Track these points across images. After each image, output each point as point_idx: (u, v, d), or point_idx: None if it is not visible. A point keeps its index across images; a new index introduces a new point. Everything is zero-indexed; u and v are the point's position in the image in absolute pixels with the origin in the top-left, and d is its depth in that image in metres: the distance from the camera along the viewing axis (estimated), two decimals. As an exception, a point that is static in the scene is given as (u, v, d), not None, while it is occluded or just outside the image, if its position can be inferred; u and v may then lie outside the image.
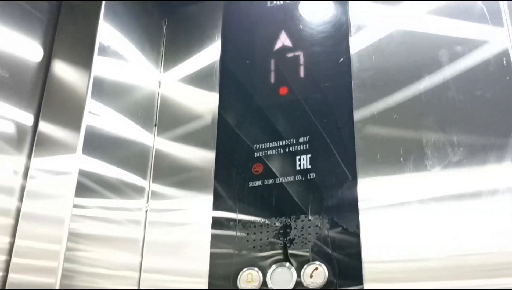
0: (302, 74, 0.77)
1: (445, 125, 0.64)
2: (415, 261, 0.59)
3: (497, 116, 0.63)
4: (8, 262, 0.63)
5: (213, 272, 0.67)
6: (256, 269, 0.64)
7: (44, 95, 0.75)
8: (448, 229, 0.58)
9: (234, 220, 0.70)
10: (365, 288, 0.59)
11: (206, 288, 0.66)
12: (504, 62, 0.64)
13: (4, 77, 0.70)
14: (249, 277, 0.64)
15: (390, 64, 0.72)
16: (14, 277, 0.62)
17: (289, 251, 0.66)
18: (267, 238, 0.67)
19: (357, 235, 0.63)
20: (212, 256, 0.67)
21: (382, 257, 0.61)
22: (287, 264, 0.64)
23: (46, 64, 0.77)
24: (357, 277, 0.60)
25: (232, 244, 0.68)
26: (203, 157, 0.76)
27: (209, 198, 0.72)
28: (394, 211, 0.63)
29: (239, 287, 0.64)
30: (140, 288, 0.71)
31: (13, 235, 0.64)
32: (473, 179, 0.60)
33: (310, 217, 0.66)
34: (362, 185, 0.66)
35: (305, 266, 0.62)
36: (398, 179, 0.64)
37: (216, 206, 0.71)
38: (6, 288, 0.63)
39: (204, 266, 0.67)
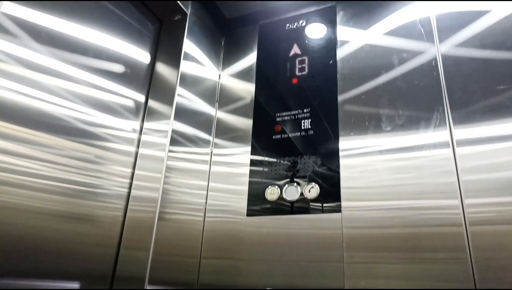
0: (306, 71, 0.83)
1: (394, 102, 0.70)
2: (375, 187, 0.67)
3: (427, 98, 0.68)
4: (130, 184, 0.73)
5: (251, 191, 0.76)
6: (276, 186, 0.74)
7: (151, 84, 0.82)
8: (395, 168, 0.65)
9: (262, 161, 0.77)
10: (341, 204, 0.67)
11: (246, 202, 0.74)
12: (433, 63, 0.70)
13: (128, 72, 0.77)
14: (271, 191, 0.73)
15: (361, 65, 0.77)
16: (135, 193, 0.72)
17: (296, 177, 0.74)
18: (283, 169, 0.75)
19: (337, 171, 0.70)
20: (250, 182, 0.76)
21: (354, 185, 0.68)
22: (295, 184, 0.73)
23: (152, 65, 0.84)
24: (337, 197, 0.68)
25: (261, 175, 0.76)
26: (245, 122, 0.84)
27: (248, 148, 0.80)
28: (361, 157, 0.69)
29: (267, 199, 0.73)
30: (207, 201, 0.78)
31: (133, 167, 0.74)
32: (410, 137, 0.67)
33: (309, 158, 0.74)
34: (342, 140, 0.72)
35: (305, 185, 0.71)
36: (364, 136, 0.70)
37: (252, 152, 0.79)
38: (130, 195, 0.71)
39: (245, 188, 0.76)
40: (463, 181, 0.60)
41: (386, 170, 0.66)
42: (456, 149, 0.63)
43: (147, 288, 0.63)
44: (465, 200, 0.59)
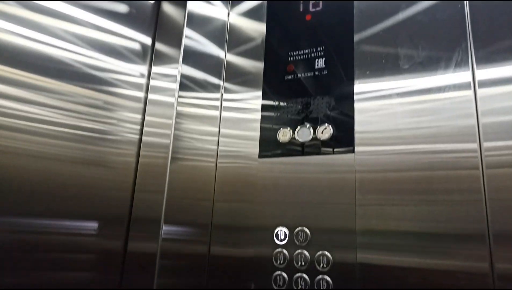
0: (321, 6, 0.78)
1: (414, 39, 0.67)
2: (390, 131, 0.64)
3: (449, 34, 0.64)
4: (141, 130, 0.73)
5: (262, 135, 0.75)
6: (288, 128, 0.73)
7: (157, 25, 0.80)
8: (412, 111, 0.63)
9: (274, 105, 0.76)
10: (355, 147, 0.67)
11: (258, 149, 0.74)
12: (459, 5, 0.66)
13: (133, 12, 0.75)
14: (283, 133, 0.73)
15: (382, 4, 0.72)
16: (146, 139, 0.72)
17: (308, 118, 0.72)
18: (295, 111, 0.74)
19: (351, 113, 0.68)
20: (262, 127, 0.76)
21: (368, 129, 0.67)
22: (307, 125, 0.71)
23: (158, 4, 0.81)
24: (350, 140, 0.67)
25: (273, 118, 0.75)
26: (256, 65, 0.81)
27: (259, 93, 0.78)
28: (377, 100, 0.67)
29: (279, 140, 0.72)
30: (219, 148, 0.78)
31: (143, 114, 0.74)
32: (429, 78, 0.64)
33: (322, 98, 0.73)
34: (357, 80, 0.70)
35: (318, 126, 0.70)
36: (381, 77, 0.68)
37: (264, 97, 0.77)
38: (142, 141, 0.72)
39: (256, 134, 0.76)
40: (482, 124, 0.58)
41: (402, 113, 0.64)
42: (478, 90, 0.60)
43: (163, 228, 0.65)
44: (484, 143, 0.57)
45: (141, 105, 0.74)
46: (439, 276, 0.56)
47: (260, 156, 0.74)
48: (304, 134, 0.72)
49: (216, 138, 0.79)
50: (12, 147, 0.55)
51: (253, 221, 0.71)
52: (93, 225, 0.65)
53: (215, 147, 0.78)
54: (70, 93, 0.63)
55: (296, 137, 0.72)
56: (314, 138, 0.71)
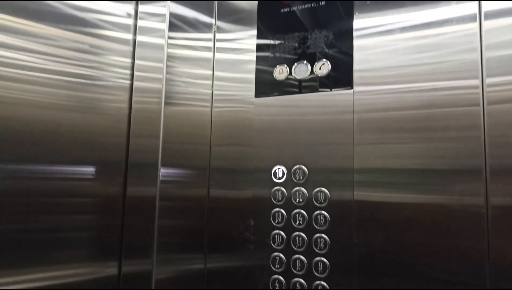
0: None
1: None
2: (392, 68, 0.62)
3: None
4: (132, 75, 0.70)
5: (258, 76, 0.73)
6: (285, 65, 0.71)
7: None
8: (413, 47, 0.61)
9: (269, 43, 0.73)
10: (353, 83, 0.65)
11: (254, 92, 0.72)
12: None
13: None
14: (280, 71, 0.71)
15: None
16: (137, 84, 0.69)
17: (306, 54, 0.70)
18: (292, 46, 0.71)
19: (351, 50, 0.66)
20: (257, 70, 0.74)
21: (368, 68, 0.65)
22: (304, 61, 0.69)
23: None
24: (349, 80, 0.66)
25: (269, 56, 0.73)
26: (250, 3, 0.76)
27: (254, 31, 0.75)
28: (378, 36, 0.64)
29: (276, 78, 0.71)
30: (213, 92, 0.76)
31: (133, 57, 0.70)
32: (432, 10, 0.61)
33: (320, 32, 0.70)
34: (357, 13, 0.66)
35: (316, 62, 0.68)
36: (383, 10, 0.64)
37: (259, 35, 0.74)
38: (133, 86, 0.69)
39: (252, 76, 0.74)
40: (486, 59, 0.56)
41: (403, 50, 0.62)
42: (484, 22, 0.57)
43: (161, 171, 0.66)
44: (486, 79, 0.56)
45: (130, 48, 0.71)
46: (435, 210, 0.57)
47: (257, 95, 0.73)
48: (301, 70, 0.70)
49: (210, 82, 0.77)
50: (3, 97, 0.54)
51: (251, 162, 0.72)
52: (91, 169, 0.65)
53: (210, 91, 0.76)
54: (53, 37, 0.60)
55: (293, 74, 0.70)
56: (312, 75, 0.69)
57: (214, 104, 0.76)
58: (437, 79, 0.59)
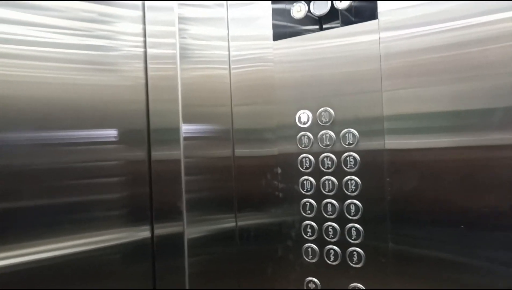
0: None
1: None
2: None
3: None
4: (145, 42, 0.68)
5: (275, 20, 0.70)
6: (303, 2, 0.67)
7: None
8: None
9: None
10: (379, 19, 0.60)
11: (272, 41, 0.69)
12: None
13: None
14: (298, 8, 0.67)
15: None
16: (151, 51, 0.68)
17: None
18: None
19: None
20: (274, 10, 0.70)
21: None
22: None
23: None
24: (373, 12, 0.60)
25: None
26: None
27: None
28: None
29: (293, 17, 0.67)
30: (230, 52, 0.73)
31: (143, 22, 0.68)
32: None
33: None
34: None
35: None
36: None
37: None
38: (147, 54, 0.68)
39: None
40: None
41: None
42: None
43: (184, 136, 0.66)
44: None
45: (139, 13, 0.68)
46: (475, 152, 0.53)
47: (275, 38, 0.69)
48: (320, 5, 0.65)
49: (226, 43, 0.73)
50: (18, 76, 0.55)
51: (275, 107, 0.70)
52: (113, 132, 0.65)
53: (226, 52, 0.73)
54: (59, 8, 0.59)
55: (312, 11, 0.66)
56: (332, 9, 0.64)
57: (232, 66, 0.73)
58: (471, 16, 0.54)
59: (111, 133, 0.64)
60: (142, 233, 0.66)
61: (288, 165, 0.68)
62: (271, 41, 0.70)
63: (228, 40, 0.73)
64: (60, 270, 0.57)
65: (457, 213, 0.54)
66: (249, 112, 0.72)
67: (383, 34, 0.60)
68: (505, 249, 0.51)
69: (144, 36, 0.68)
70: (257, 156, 0.71)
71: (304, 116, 0.66)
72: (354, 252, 0.62)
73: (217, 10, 0.73)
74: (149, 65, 0.68)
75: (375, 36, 0.60)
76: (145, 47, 0.68)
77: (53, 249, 0.57)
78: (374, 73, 0.60)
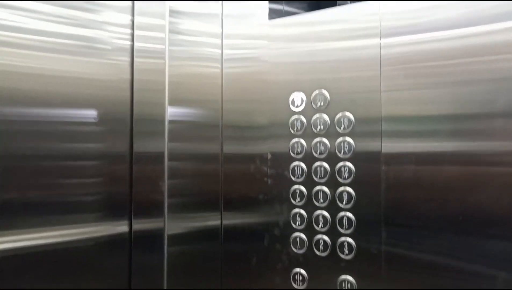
0: None
1: None
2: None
3: None
4: (132, 35, 0.66)
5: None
6: None
7: None
8: None
9: None
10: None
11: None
12: None
13: None
14: None
15: None
16: (139, 45, 0.66)
17: None
18: None
19: None
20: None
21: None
22: None
23: None
24: None
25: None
26: None
27: None
28: None
29: None
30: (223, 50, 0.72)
31: (132, 14, 0.66)
32: None
33: None
34: None
35: None
36: None
37: None
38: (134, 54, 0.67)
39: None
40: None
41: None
42: None
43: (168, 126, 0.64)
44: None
45: (128, 3, 0.66)
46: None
47: (270, 17, 0.67)
48: None
49: (219, 40, 0.71)
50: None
51: (268, 92, 0.68)
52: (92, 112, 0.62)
53: (219, 50, 0.71)
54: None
55: None
56: None
57: (224, 64, 0.71)
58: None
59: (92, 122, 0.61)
60: (120, 227, 0.63)
61: (279, 151, 0.66)
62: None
63: (222, 37, 0.71)
64: (30, 262, 0.55)
65: (454, 204, 0.53)
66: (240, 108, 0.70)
67: (384, 15, 0.58)
68: (504, 255, 0.49)
69: (132, 28, 0.66)
70: (247, 140, 0.69)
71: (297, 99, 0.64)
72: (345, 243, 0.60)
73: (212, 2, 0.71)
74: (135, 59, 0.65)
75: (375, 16, 0.58)
76: (132, 40, 0.66)
77: (23, 239, 0.55)
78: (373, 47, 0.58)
